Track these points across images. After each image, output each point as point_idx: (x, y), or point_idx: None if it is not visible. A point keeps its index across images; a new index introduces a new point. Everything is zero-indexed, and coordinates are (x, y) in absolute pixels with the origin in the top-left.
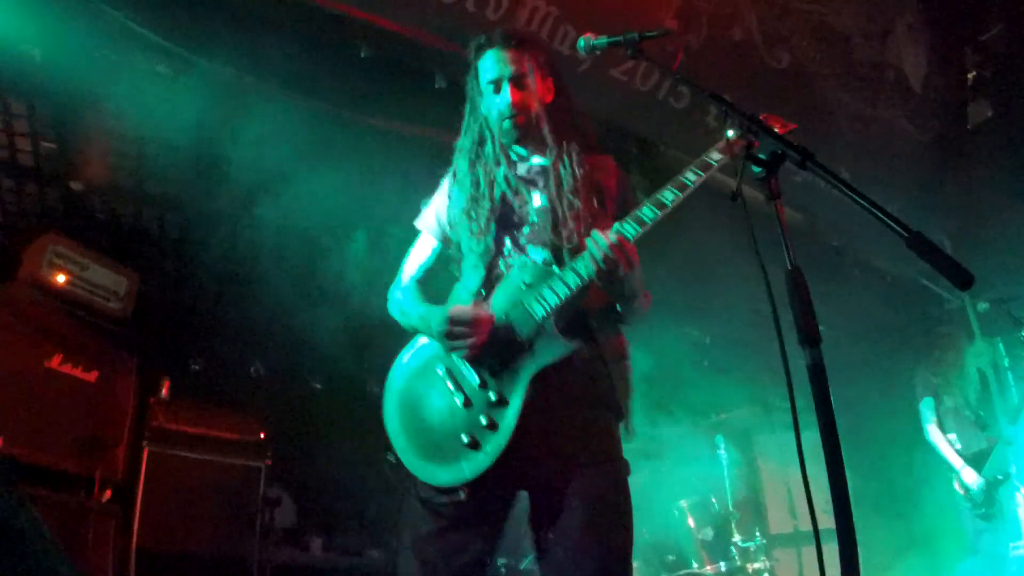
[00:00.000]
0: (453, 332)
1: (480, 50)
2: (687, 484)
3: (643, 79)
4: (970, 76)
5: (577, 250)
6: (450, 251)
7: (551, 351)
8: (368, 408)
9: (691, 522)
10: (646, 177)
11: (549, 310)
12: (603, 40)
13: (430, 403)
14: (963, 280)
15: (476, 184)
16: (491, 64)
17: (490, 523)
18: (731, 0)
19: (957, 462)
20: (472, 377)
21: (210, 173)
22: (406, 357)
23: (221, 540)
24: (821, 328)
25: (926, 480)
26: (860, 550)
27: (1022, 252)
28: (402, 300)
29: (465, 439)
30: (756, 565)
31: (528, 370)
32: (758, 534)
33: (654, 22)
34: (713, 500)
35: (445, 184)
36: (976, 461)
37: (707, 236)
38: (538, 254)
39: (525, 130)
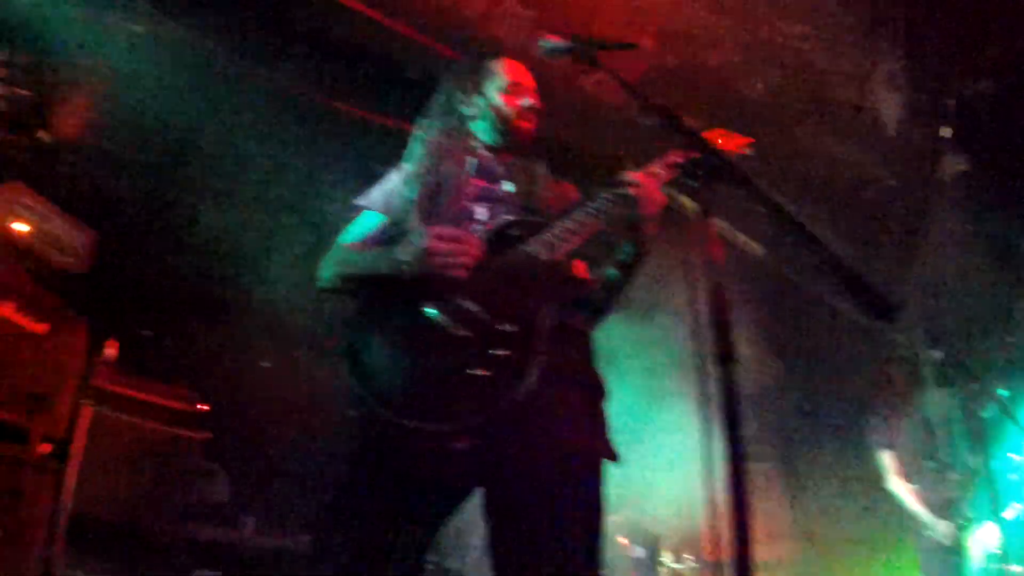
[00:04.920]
0: (440, 249)
1: (495, 56)
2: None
3: (613, 92)
4: (947, 129)
5: None
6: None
7: (571, 287)
8: (319, 393)
9: (622, 539)
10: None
11: (563, 246)
12: (565, 44)
13: (424, 346)
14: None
15: (442, 160)
16: (514, 70)
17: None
18: (711, 25)
19: (927, 515)
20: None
21: (178, 142)
22: (373, 314)
23: (151, 510)
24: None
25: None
26: None
27: (981, 309)
28: (343, 254)
29: (473, 371)
30: None
31: (544, 309)
32: (688, 557)
33: (631, 39)
34: (648, 519)
35: (395, 173)
36: (944, 509)
37: None
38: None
39: (521, 138)
